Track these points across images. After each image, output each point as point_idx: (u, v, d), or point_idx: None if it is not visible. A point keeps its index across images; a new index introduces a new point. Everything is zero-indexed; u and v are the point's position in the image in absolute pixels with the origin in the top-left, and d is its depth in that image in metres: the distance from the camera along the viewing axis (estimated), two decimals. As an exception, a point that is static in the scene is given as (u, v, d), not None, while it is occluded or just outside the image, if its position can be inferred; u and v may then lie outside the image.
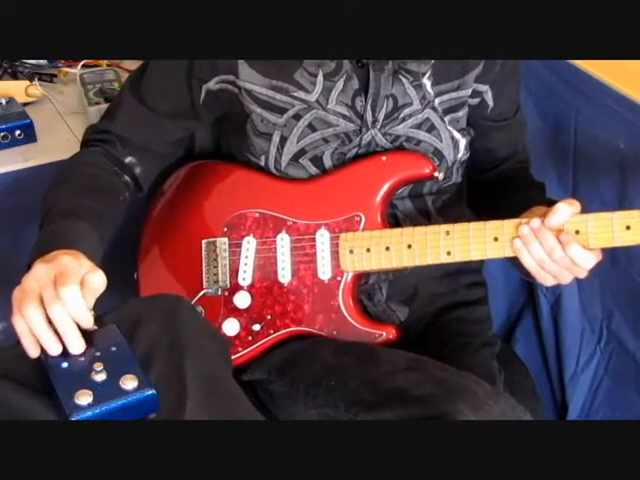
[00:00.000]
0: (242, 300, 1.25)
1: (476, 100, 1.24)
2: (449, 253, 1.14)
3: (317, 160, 1.21)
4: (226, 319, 1.25)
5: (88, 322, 0.92)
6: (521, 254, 1.09)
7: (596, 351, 1.54)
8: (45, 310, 0.91)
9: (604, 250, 1.10)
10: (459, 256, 1.13)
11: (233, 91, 1.21)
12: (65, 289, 0.91)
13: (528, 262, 1.09)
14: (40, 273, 0.95)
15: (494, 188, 1.32)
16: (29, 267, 1.00)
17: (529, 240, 1.08)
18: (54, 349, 0.89)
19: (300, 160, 1.21)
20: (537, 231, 1.08)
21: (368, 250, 1.18)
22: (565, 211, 1.07)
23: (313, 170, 1.22)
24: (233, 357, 1.23)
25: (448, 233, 1.13)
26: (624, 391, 1.50)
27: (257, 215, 1.25)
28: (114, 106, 1.28)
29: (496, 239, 1.11)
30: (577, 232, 1.07)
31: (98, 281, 0.95)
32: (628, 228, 1.05)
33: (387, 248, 1.17)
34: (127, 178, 1.24)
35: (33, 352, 0.91)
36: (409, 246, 1.16)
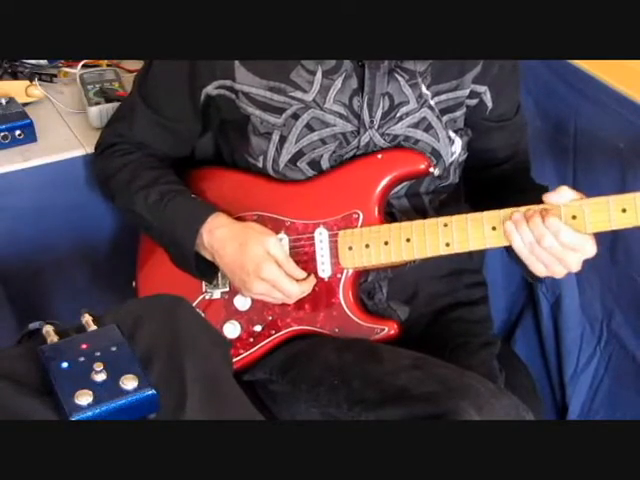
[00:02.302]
0: (242, 302, 1.25)
1: (474, 101, 1.24)
2: (448, 244, 1.14)
3: (315, 164, 1.21)
4: (227, 321, 1.25)
5: (299, 273, 1.19)
6: (512, 237, 1.09)
7: (596, 351, 1.54)
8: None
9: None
10: (458, 247, 1.13)
11: (230, 97, 1.21)
12: (282, 291, 1.18)
13: (519, 246, 1.09)
14: (258, 290, 1.18)
15: (494, 188, 1.32)
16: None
17: (520, 224, 1.08)
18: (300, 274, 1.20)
19: (298, 163, 1.21)
20: (529, 218, 1.08)
21: (367, 246, 1.18)
22: (566, 192, 1.08)
23: (311, 173, 1.22)
24: (235, 360, 1.23)
25: (446, 225, 1.14)
26: (624, 391, 1.50)
27: (255, 217, 1.24)
28: (127, 111, 1.30)
29: (494, 228, 1.11)
30: (574, 217, 1.07)
31: (277, 247, 1.18)
32: (624, 211, 1.05)
33: (386, 243, 1.17)
34: None
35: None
36: (408, 240, 1.16)
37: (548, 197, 1.08)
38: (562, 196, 1.08)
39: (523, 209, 1.10)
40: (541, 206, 1.09)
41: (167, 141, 1.29)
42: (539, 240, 1.07)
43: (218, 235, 1.19)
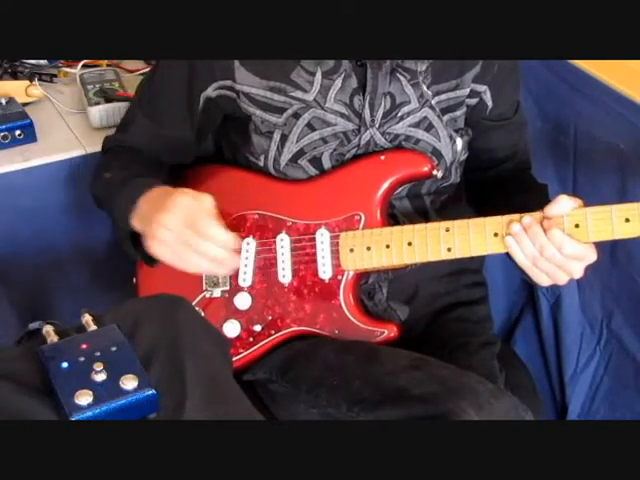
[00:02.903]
0: (242, 301, 1.25)
1: (474, 100, 1.24)
2: (449, 249, 1.14)
3: (316, 161, 1.21)
4: (227, 320, 1.25)
5: (236, 243, 1.10)
6: (513, 251, 1.09)
7: (596, 351, 1.54)
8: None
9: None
10: (459, 252, 1.13)
11: (231, 96, 1.21)
12: (211, 234, 1.07)
13: (521, 259, 1.09)
14: (172, 225, 1.07)
15: (495, 189, 1.32)
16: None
17: (520, 237, 1.08)
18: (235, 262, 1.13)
19: (299, 161, 1.21)
20: (528, 227, 1.08)
21: (368, 249, 1.18)
22: (566, 202, 1.07)
23: (312, 171, 1.22)
24: (234, 359, 1.23)
25: (448, 230, 1.14)
26: (624, 391, 1.51)
27: (256, 216, 1.25)
28: (127, 119, 1.31)
29: (496, 234, 1.11)
30: (577, 226, 1.07)
31: (210, 203, 1.09)
32: (627, 221, 1.05)
33: (387, 246, 1.17)
34: None
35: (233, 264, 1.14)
36: (409, 243, 1.16)
37: (549, 209, 1.08)
38: (562, 206, 1.08)
39: (526, 219, 1.09)
40: (542, 215, 1.09)
41: (162, 150, 1.29)
42: (541, 251, 1.07)
43: (147, 198, 1.14)
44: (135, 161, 1.26)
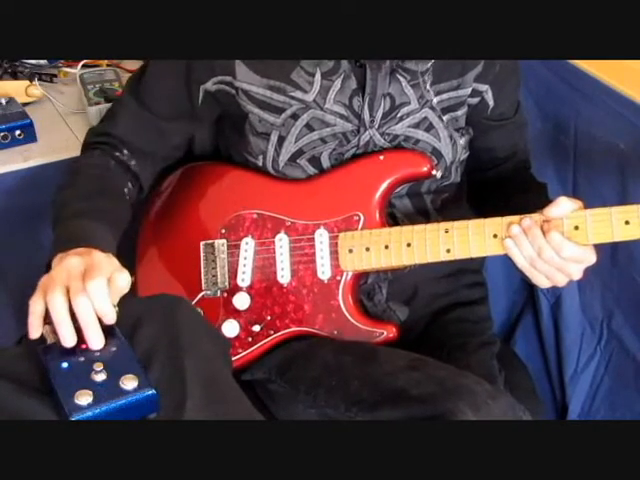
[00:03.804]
0: (241, 301, 1.25)
1: (476, 99, 1.24)
2: (449, 251, 1.14)
3: (315, 160, 1.21)
4: (225, 320, 1.25)
5: (111, 318, 0.93)
6: (512, 253, 1.10)
7: (596, 351, 1.54)
8: (69, 301, 0.92)
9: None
10: (459, 253, 1.13)
11: (230, 92, 1.21)
12: (93, 282, 0.93)
13: (520, 262, 1.10)
14: (72, 264, 0.96)
15: (495, 189, 1.32)
16: (49, 266, 1.01)
17: (520, 239, 1.08)
18: (70, 340, 0.90)
19: (298, 160, 1.21)
20: (527, 229, 1.08)
21: (367, 249, 1.18)
22: (566, 204, 1.08)
23: (311, 170, 1.22)
24: (233, 359, 1.23)
25: (447, 231, 1.14)
26: (624, 391, 1.50)
27: (255, 216, 1.25)
28: (115, 109, 1.28)
29: (495, 236, 1.11)
30: (576, 228, 1.07)
31: (125, 280, 0.98)
32: (627, 223, 1.05)
33: (386, 247, 1.17)
34: (130, 180, 1.24)
35: (35, 333, 0.92)
36: (408, 244, 1.16)
37: (549, 211, 1.08)
38: (561, 207, 1.08)
39: (525, 221, 1.09)
40: (542, 217, 1.09)
41: (154, 141, 1.26)
42: (539, 253, 1.07)
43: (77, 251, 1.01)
44: (102, 189, 1.18)
